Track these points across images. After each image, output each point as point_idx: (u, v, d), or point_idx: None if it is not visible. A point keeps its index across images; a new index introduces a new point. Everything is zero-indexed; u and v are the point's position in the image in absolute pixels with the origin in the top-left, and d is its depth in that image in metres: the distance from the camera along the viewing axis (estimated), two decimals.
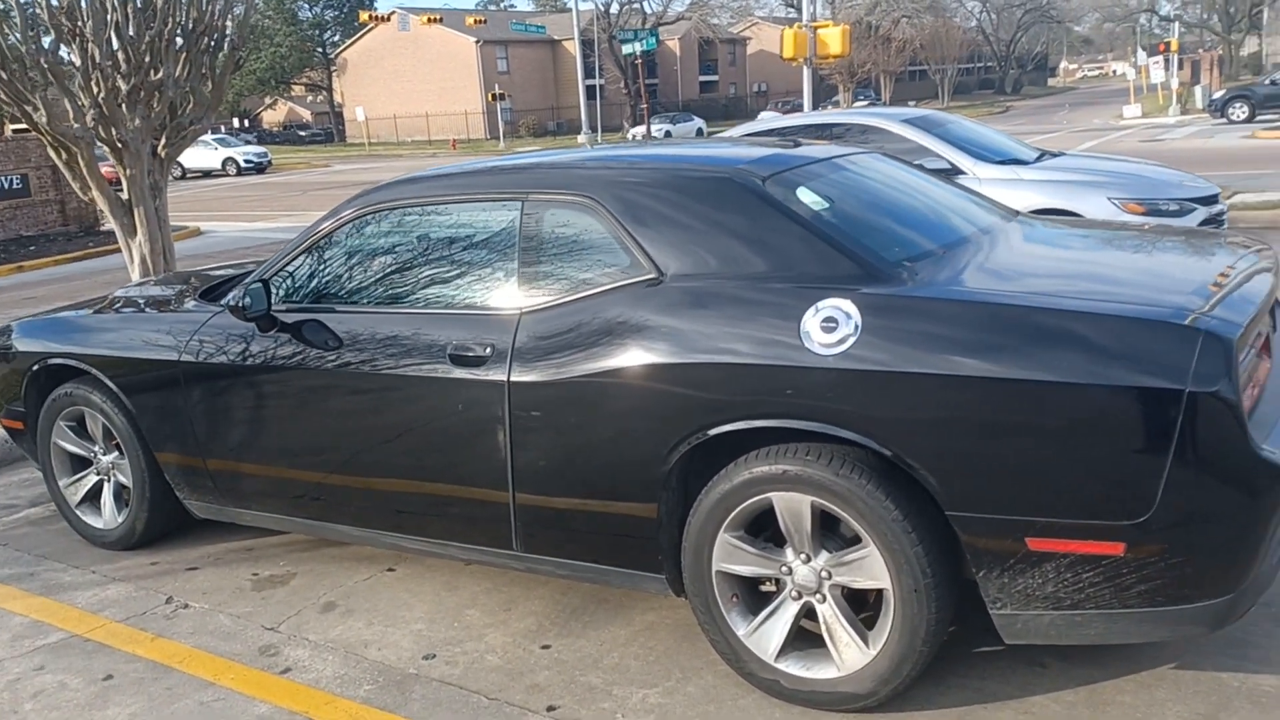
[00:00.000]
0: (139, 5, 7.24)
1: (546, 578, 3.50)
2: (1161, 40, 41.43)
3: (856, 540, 2.61)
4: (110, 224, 7.73)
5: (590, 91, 40.83)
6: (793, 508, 2.65)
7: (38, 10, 7.18)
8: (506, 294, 3.06)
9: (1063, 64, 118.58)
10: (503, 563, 3.23)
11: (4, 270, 13.90)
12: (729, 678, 2.89)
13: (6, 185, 15.73)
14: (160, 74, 7.55)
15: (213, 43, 7.99)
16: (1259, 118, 26.99)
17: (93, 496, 4.16)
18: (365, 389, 3.24)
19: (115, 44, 7.17)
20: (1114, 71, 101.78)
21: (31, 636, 3.42)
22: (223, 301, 3.65)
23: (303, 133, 66.15)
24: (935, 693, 2.76)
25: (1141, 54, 42.19)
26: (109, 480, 4.10)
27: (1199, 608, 2.35)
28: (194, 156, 37.74)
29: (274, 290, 3.50)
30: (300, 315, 3.42)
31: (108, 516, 4.09)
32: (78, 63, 7.15)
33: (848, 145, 3.74)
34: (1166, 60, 35.30)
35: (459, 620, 3.35)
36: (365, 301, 3.35)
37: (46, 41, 7.24)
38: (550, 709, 2.82)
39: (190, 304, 3.86)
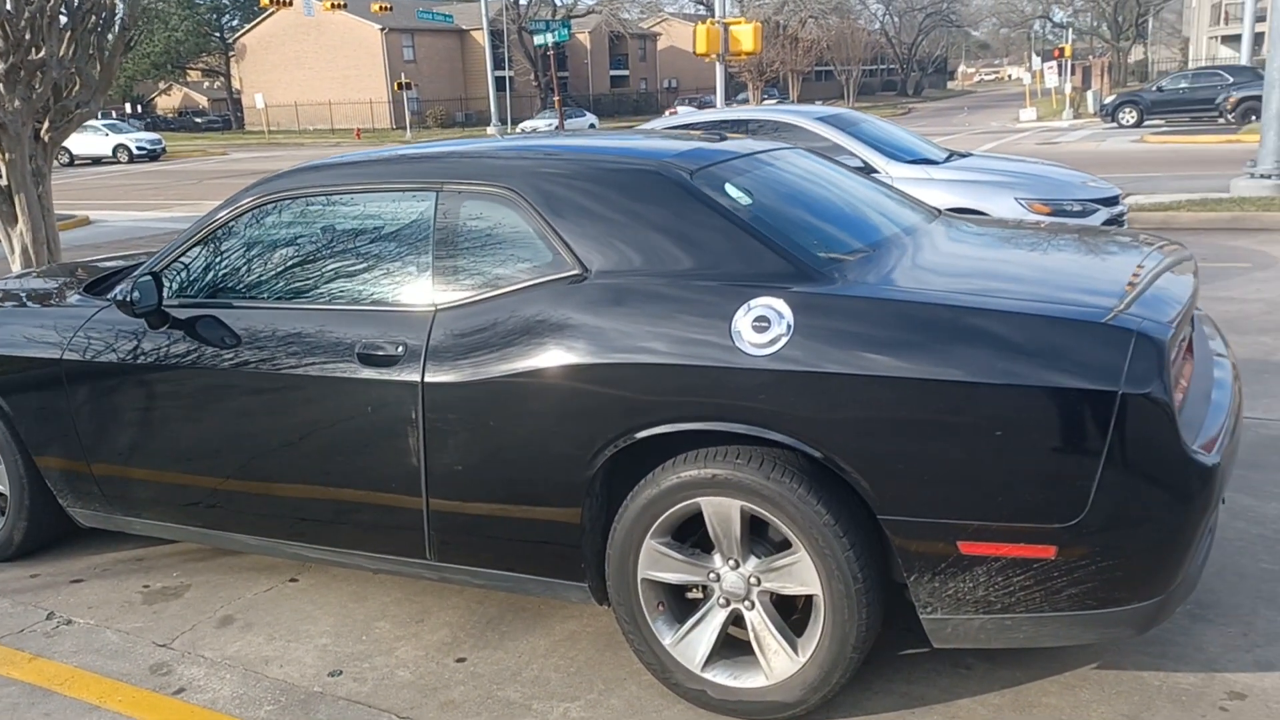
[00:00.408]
0: None
1: (460, 588, 3.35)
2: (1056, 46, 42.87)
3: (786, 545, 2.54)
4: None
5: (500, 83, 40.41)
6: (722, 513, 2.56)
7: None
8: (420, 290, 2.90)
9: (961, 68, 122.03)
10: (415, 572, 3.07)
11: None
12: (653, 688, 2.79)
13: None
14: (43, 53, 7.13)
15: (101, 21, 7.58)
16: (1146, 122, 28.08)
17: None
18: (265, 389, 3.04)
19: None
20: (1009, 76, 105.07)
21: None
22: (109, 296, 3.40)
23: (199, 119, 64.02)
24: (863, 698, 2.71)
25: (1037, 59, 43.53)
26: None
27: (1128, 610, 2.33)
28: (83, 143, 36.13)
29: (166, 284, 3.27)
30: (194, 311, 3.21)
31: None
32: None
33: (770, 141, 3.67)
34: (1060, 66, 36.48)
35: (367, 633, 3.18)
36: (266, 296, 3.15)
37: None
38: None
39: (74, 298, 3.59)
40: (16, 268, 7.19)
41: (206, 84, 70.32)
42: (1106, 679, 2.75)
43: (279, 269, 3.16)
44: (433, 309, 2.86)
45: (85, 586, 3.59)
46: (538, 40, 33.46)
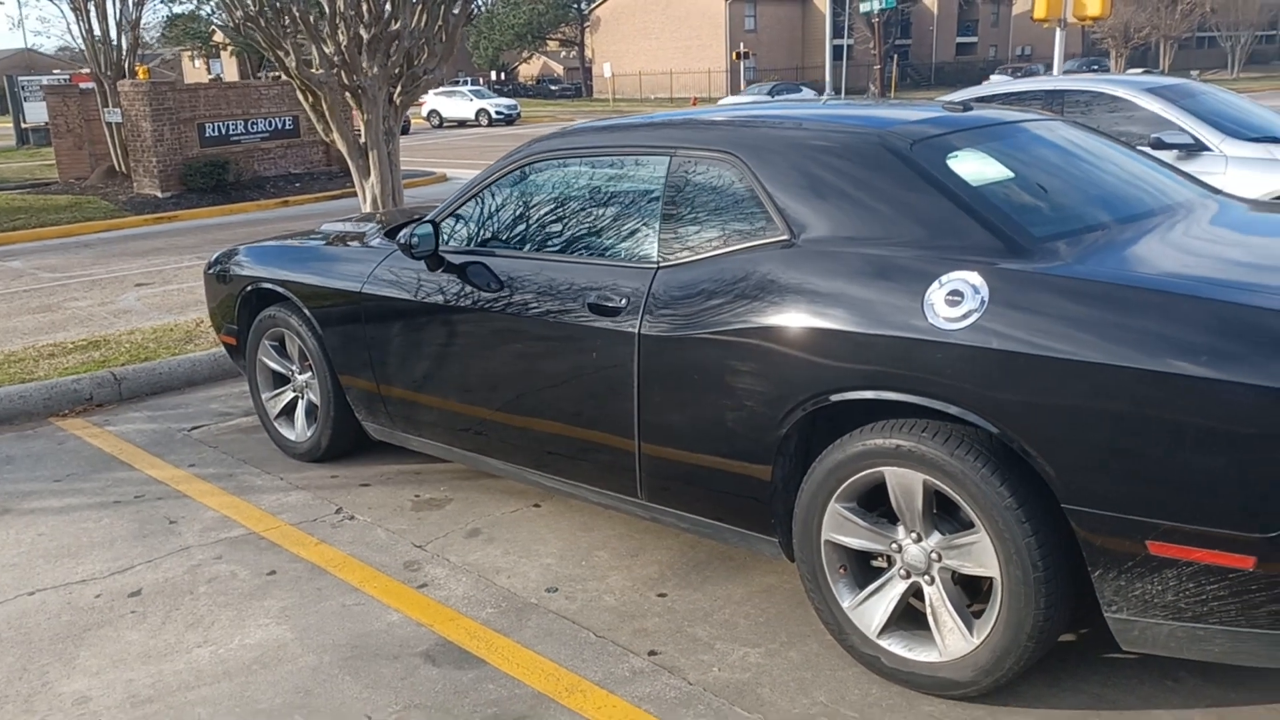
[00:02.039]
0: None
1: (676, 531, 3.56)
2: None
3: (970, 525, 2.50)
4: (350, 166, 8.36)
5: (837, 51, 39.82)
6: (905, 484, 2.57)
7: None
8: (646, 247, 3.11)
9: None
10: (629, 510, 3.31)
11: (272, 204, 15.30)
12: (834, 649, 2.86)
13: (279, 125, 17.23)
14: (398, 24, 8.05)
15: None
16: None
17: (288, 411, 4.57)
18: (518, 331, 3.38)
19: None
20: None
21: (218, 530, 3.83)
22: (396, 240, 3.90)
23: (554, 87, 68.38)
24: (1047, 692, 2.62)
25: None
26: (302, 398, 4.49)
27: None
28: (451, 107, 39.99)
29: (444, 232, 3.70)
30: (465, 257, 3.61)
31: (299, 430, 4.50)
32: (325, 11, 7.72)
33: (1034, 112, 3.50)
34: None
35: (587, 560, 3.47)
36: (522, 246, 3.48)
37: None
38: (652, 653, 2.89)
39: (375, 241, 4.15)
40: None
41: (563, 53, 74.97)
42: None
43: (534, 223, 3.49)
44: (655, 265, 3.05)
45: (369, 490, 4.16)
46: (864, 8, 32.68)
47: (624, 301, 3.07)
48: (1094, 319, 2.26)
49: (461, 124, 40.14)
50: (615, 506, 3.37)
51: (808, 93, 40.10)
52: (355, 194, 8.67)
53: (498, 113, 39.54)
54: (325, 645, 3.01)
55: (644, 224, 3.13)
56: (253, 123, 16.85)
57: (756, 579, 3.28)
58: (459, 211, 3.71)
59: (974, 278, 2.43)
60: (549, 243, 3.40)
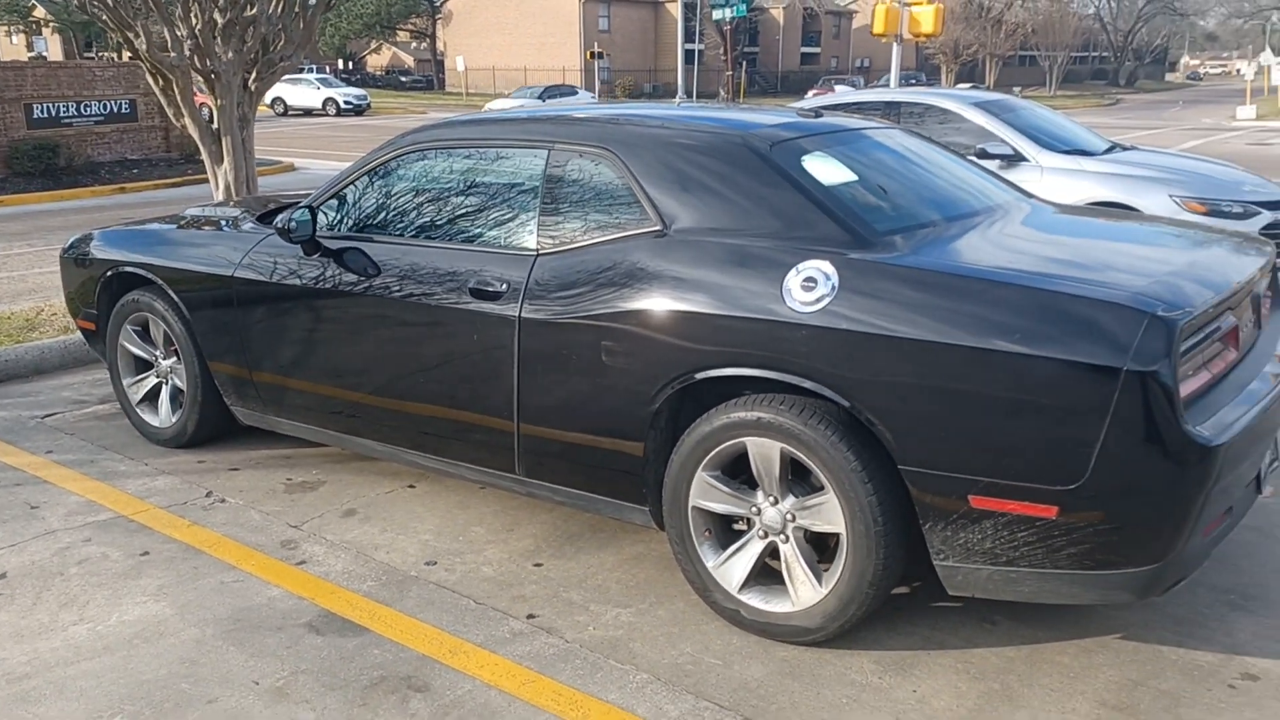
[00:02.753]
0: None
1: (550, 506, 3.75)
2: None
3: (820, 488, 2.80)
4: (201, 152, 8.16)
5: (689, 56, 40.66)
6: (764, 453, 2.84)
7: None
8: (526, 235, 3.29)
9: (1184, 59, 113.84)
10: (507, 486, 3.49)
11: (107, 191, 14.63)
12: (698, 607, 3.11)
13: (115, 109, 16.46)
14: (254, 9, 7.92)
15: None
16: None
17: (152, 397, 4.53)
18: (397, 315, 3.50)
19: None
20: (1237, 71, 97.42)
21: (84, 514, 3.79)
22: (274, 224, 3.94)
23: (404, 79, 67.07)
24: (885, 635, 2.95)
25: (1267, 53, 40.35)
26: (167, 383, 4.46)
27: (1125, 574, 2.49)
28: (296, 95, 38.79)
29: (321, 217, 3.78)
30: (341, 242, 3.70)
31: (163, 416, 4.46)
32: None
33: (876, 121, 3.86)
34: None
35: (464, 535, 3.62)
36: (401, 233, 3.60)
37: None
38: (530, 616, 3.08)
39: (247, 225, 4.17)
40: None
41: (414, 45, 73.62)
42: (1125, 648, 2.89)
43: (413, 210, 3.61)
44: (535, 253, 3.24)
45: (240, 474, 4.19)
46: (715, 15, 33.60)
47: (505, 287, 3.24)
48: (926, 303, 2.58)
49: (308, 113, 39.00)
50: (493, 483, 3.54)
51: (584, 95, 40.76)
52: (197, 182, 8.50)
53: (346, 103, 38.60)
54: (206, 620, 3.07)
55: (524, 213, 3.31)
56: (86, 105, 16.07)
57: (626, 548, 3.51)
58: (336, 197, 3.80)
59: (826, 266, 2.73)
60: (429, 230, 3.54)
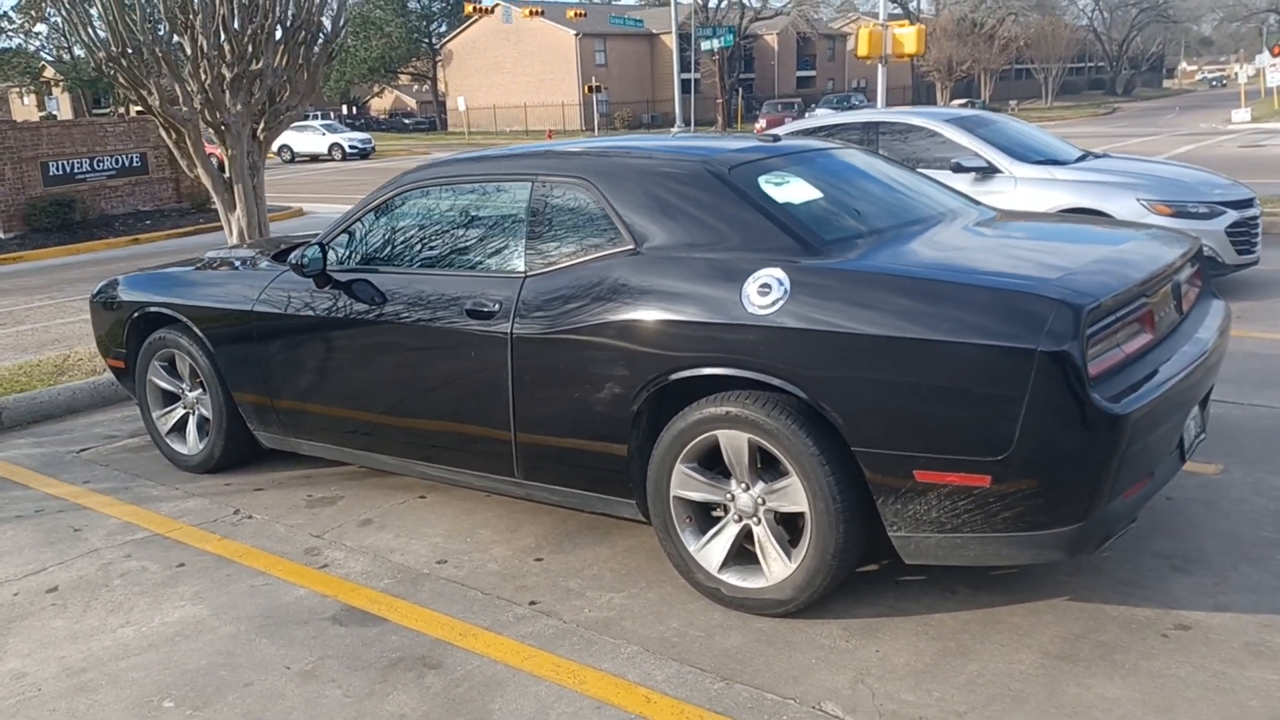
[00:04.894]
0: (244, 1, 8.03)
1: (550, 508, 4.07)
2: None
3: (786, 473, 3.11)
4: (215, 200, 8.58)
5: (685, 85, 41.31)
6: (734, 444, 3.16)
7: (155, 3, 8.03)
8: (515, 259, 3.63)
9: (1181, 65, 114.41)
10: (507, 489, 3.81)
11: (121, 242, 15.11)
12: (684, 589, 3.42)
13: (127, 163, 16.99)
14: (261, 64, 8.35)
15: (309, 36, 8.77)
16: None
17: (179, 427, 4.88)
18: (402, 338, 3.85)
19: (221, 36, 7.99)
20: (1234, 75, 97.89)
21: (123, 534, 4.13)
22: (287, 261, 4.30)
23: (407, 121, 68.13)
24: (852, 605, 3.25)
25: (1264, 55, 40.71)
26: (193, 413, 4.81)
27: (1054, 534, 2.79)
28: (303, 141, 39.53)
29: (331, 253, 4.13)
30: (351, 275, 4.05)
31: (191, 444, 4.81)
32: (188, 52, 7.97)
33: (832, 143, 4.21)
34: None
35: (471, 537, 3.95)
36: (404, 263, 3.95)
37: (161, 31, 8.10)
38: (532, 603, 3.40)
39: (264, 264, 4.54)
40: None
41: (415, 87, 74.76)
42: (1071, 607, 3.18)
43: (414, 242, 3.97)
44: (524, 275, 3.58)
45: (264, 493, 4.52)
46: (705, 45, 34.19)
47: (497, 307, 3.58)
48: (868, 301, 2.91)
49: (314, 159, 39.73)
50: (495, 489, 3.87)
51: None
52: (208, 231, 8.90)
53: (352, 147, 39.32)
54: (240, 618, 3.40)
55: (512, 240, 3.66)
56: (99, 160, 16.59)
57: (619, 542, 3.83)
58: (345, 233, 4.16)
59: (778, 273, 3.06)
60: (428, 259, 3.89)
